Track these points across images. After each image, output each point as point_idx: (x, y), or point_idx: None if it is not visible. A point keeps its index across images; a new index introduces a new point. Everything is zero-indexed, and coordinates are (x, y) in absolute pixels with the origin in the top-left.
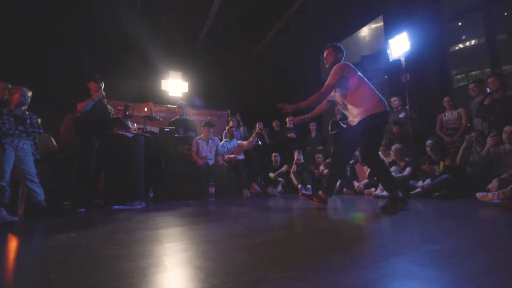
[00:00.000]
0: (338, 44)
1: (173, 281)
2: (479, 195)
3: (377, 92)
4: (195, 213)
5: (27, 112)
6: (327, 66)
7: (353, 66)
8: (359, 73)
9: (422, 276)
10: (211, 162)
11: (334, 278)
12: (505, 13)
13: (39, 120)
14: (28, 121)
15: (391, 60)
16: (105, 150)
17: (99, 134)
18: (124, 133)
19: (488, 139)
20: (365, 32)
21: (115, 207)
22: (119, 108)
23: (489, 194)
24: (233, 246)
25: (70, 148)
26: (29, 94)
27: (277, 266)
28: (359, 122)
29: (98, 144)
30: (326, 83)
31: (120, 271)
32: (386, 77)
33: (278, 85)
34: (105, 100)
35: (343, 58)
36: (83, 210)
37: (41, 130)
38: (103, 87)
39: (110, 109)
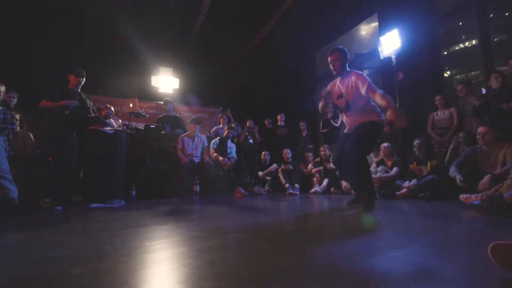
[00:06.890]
0: (343, 48)
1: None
2: (462, 196)
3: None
4: (165, 212)
5: (0, 108)
6: (335, 72)
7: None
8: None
9: None
10: (197, 160)
11: None
12: (501, 12)
13: (17, 116)
14: (1, 116)
15: (382, 57)
16: (83, 146)
17: (77, 130)
18: (104, 129)
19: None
20: (360, 30)
21: (93, 205)
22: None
23: (473, 196)
24: (191, 248)
25: (48, 144)
26: (2, 89)
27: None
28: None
29: (78, 141)
30: (370, 88)
31: (52, 275)
32: (367, 72)
33: (271, 83)
34: (80, 95)
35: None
36: (59, 208)
37: (14, 126)
38: (83, 82)
39: (89, 104)
